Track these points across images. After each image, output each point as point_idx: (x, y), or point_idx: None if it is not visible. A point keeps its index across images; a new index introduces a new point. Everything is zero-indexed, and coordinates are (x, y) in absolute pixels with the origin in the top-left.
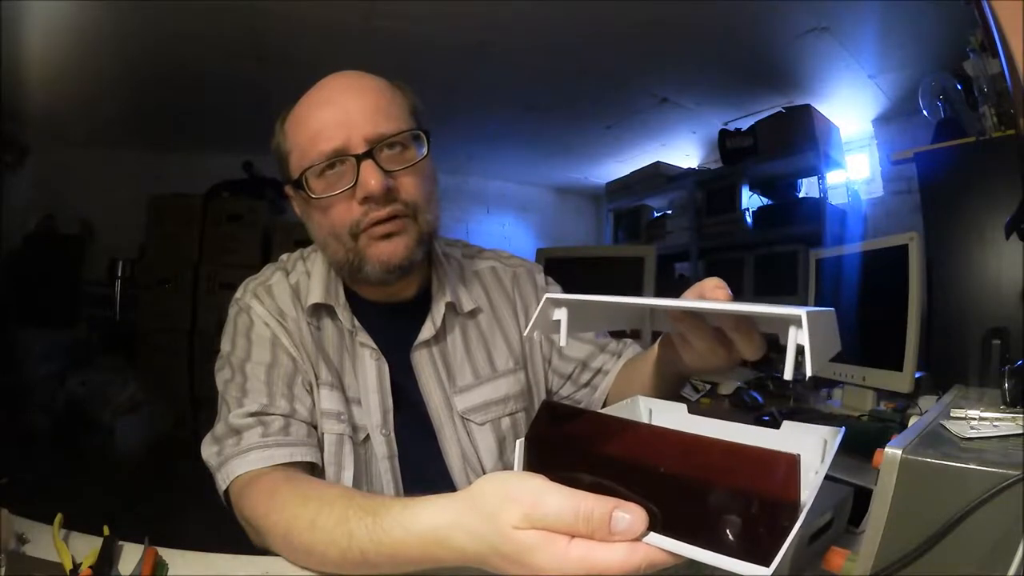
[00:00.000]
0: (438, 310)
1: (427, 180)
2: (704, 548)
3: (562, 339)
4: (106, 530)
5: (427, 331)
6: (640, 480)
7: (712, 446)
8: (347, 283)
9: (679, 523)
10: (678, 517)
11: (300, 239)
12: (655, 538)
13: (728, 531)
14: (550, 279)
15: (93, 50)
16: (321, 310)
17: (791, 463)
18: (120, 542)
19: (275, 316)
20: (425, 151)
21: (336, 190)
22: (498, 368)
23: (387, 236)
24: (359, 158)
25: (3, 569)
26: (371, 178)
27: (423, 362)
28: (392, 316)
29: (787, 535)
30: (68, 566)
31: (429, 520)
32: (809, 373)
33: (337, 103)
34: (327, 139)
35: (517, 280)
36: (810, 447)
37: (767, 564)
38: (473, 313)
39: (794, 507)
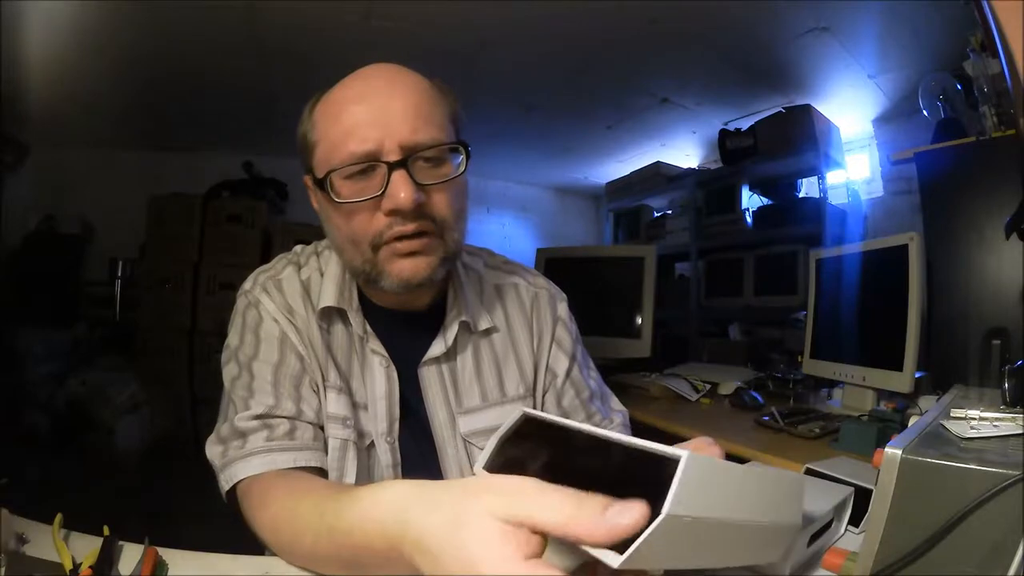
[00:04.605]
0: (451, 328)
1: (459, 196)
2: None
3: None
4: (106, 530)
5: (437, 348)
6: (563, 480)
7: (617, 446)
8: (360, 287)
9: None
10: None
11: (301, 239)
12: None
13: None
14: (571, 315)
15: (93, 50)
16: (333, 313)
17: (673, 462)
18: (120, 542)
19: (284, 313)
20: (463, 167)
21: (362, 197)
22: (508, 393)
23: (411, 254)
24: (391, 167)
25: (3, 569)
26: (401, 191)
27: (431, 378)
28: (404, 325)
29: (645, 531)
30: (68, 566)
31: (390, 491)
32: (664, 511)
33: (375, 100)
34: (359, 140)
35: (537, 302)
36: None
37: (621, 554)
38: (488, 332)
39: (659, 504)
